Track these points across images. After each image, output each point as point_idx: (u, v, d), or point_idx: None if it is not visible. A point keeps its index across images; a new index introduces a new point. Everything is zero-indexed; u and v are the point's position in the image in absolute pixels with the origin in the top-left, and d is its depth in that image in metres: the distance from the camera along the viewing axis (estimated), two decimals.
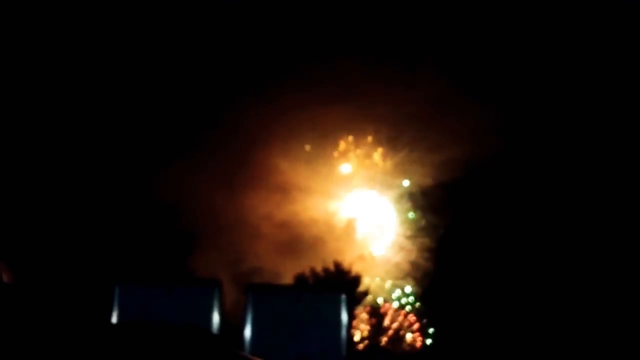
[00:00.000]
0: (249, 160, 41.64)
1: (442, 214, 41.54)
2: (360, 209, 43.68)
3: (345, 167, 43.94)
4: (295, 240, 40.88)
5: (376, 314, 39.55)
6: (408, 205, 43.31)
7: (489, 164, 38.81)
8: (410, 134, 42.80)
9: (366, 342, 38.70)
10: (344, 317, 25.48)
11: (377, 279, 41.30)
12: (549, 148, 38.79)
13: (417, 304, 41.00)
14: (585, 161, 38.53)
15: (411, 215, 43.10)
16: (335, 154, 43.90)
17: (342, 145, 43.89)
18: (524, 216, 37.87)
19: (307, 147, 43.24)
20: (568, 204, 37.20)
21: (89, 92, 39.39)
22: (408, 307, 41.07)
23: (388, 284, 41.55)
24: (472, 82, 39.34)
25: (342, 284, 34.09)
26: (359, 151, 43.74)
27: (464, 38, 39.95)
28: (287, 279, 37.18)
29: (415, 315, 40.33)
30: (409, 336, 39.85)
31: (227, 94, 40.70)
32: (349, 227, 43.17)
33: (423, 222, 42.43)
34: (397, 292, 41.44)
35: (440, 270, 38.20)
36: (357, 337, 38.35)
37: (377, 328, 39.50)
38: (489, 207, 38.83)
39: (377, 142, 43.80)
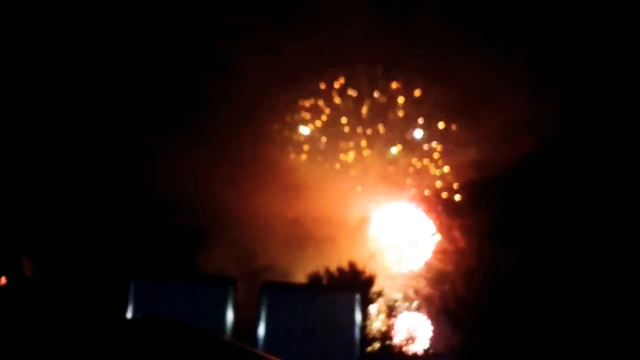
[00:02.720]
0: (262, 157, 41.62)
1: (456, 215, 41.44)
2: (373, 209, 43.57)
3: (359, 166, 43.87)
4: (308, 237, 40.78)
5: (390, 314, 39.39)
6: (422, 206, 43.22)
7: (500, 167, 38.61)
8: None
9: (379, 342, 38.56)
10: (358, 316, 25.48)
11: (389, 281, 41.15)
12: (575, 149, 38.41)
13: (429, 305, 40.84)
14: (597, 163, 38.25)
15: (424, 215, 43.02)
16: (350, 152, 43.84)
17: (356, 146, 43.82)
18: (540, 217, 37.61)
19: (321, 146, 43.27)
20: (597, 205, 36.84)
21: (99, 88, 39.56)
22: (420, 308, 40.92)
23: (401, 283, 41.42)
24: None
25: (357, 284, 33.98)
26: (373, 151, 43.68)
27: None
28: (300, 276, 37.09)
29: (428, 316, 40.12)
30: (421, 337, 39.71)
31: (238, 89, 40.70)
32: (362, 225, 43.04)
33: (437, 224, 42.34)
34: (410, 292, 41.27)
35: (455, 273, 38.00)
36: (370, 337, 38.25)
37: (390, 328, 39.35)
38: (501, 207, 38.57)
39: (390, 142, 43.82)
